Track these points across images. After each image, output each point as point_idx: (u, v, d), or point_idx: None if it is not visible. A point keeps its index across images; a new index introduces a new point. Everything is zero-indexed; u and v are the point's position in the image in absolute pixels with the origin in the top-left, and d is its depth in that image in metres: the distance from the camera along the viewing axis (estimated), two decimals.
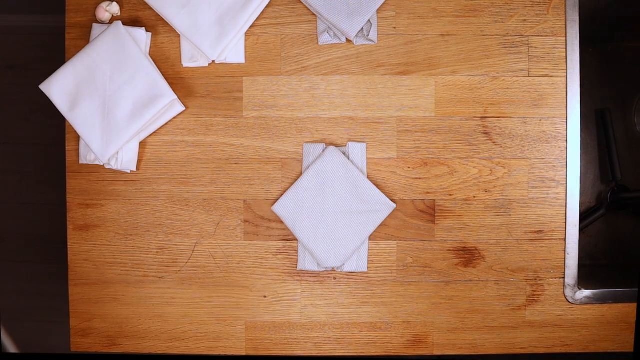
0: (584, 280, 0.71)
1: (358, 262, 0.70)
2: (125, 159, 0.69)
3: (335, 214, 0.69)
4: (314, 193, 0.69)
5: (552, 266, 0.71)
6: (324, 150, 0.69)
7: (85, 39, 0.71)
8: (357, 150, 0.69)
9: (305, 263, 0.70)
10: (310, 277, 0.71)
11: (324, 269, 0.70)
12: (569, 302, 0.71)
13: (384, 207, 0.67)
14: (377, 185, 0.70)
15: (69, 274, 0.72)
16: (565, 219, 0.71)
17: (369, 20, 0.69)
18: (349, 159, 0.69)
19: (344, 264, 0.70)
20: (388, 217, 0.70)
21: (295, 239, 0.71)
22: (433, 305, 0.71)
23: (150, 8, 0.69)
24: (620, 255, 0.95)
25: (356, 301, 0.71)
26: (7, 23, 1.34)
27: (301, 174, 0.70)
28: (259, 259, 0.71)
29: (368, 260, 0.71)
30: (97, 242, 0.72)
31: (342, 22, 0.67)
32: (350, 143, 0.69)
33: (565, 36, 0.70)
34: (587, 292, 0.71)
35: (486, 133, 0.71)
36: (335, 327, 0.72)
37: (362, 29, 0.69)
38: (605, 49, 0.97)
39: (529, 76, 0.71)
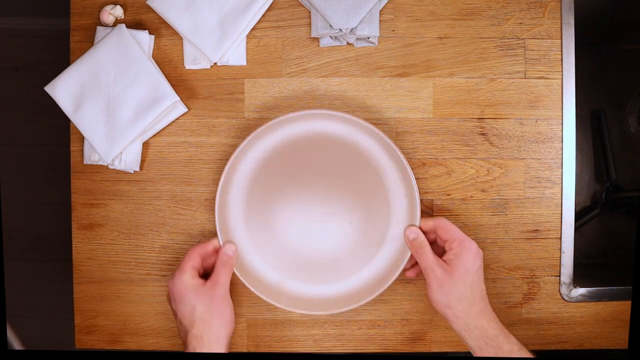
0: (579, 279, 0.72)
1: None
2: (128, 160, 0.70)
3: None
4: None
5: (548, 265, 0.72)
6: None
7: (89, 42, 0.71)
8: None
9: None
10: None
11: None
12: (564, 300, 0.72)
13: None
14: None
15: (73, 272, 0.73)
16: (561, 218, 0.72)
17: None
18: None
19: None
20: None
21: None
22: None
23: (153, 11, 0.70)
24: (614, 254, 0.96)
25: None
26: (11, 25, 1.35)
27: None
28: None
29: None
30: (101, 241, 0.72)
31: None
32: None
33: (561, 39, 0.71)
34: (582, 290, 0.72)
35: (483, 134, 0.71)
36: (335, 324, 0.72)
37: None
38: (600, 51, 0.98)
39: (525, 78, 0.71)
